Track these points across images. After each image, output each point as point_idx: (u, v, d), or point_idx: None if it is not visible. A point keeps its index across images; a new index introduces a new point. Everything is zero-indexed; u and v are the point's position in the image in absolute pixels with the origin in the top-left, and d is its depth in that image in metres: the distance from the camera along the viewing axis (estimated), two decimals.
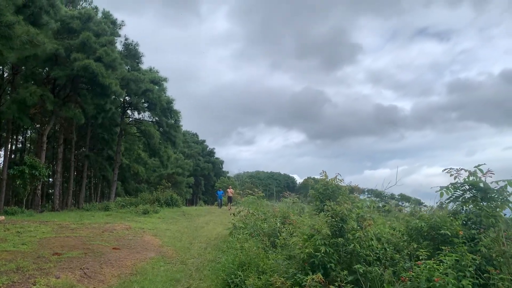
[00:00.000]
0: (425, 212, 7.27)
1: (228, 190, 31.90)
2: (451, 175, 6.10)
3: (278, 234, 9.43)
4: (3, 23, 9.12)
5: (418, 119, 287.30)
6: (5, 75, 32.11)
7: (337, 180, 7.68)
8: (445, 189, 6.20)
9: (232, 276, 8.02)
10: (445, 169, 6.39)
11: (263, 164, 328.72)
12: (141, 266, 10.14)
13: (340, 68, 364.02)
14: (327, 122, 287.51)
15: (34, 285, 7.01)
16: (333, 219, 6.18)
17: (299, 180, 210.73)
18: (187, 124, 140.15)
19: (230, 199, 30.69)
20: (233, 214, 14.42)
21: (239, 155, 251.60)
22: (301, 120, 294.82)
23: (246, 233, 12.82)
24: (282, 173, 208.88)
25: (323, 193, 7.52)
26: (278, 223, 9.71)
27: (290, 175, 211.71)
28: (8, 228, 14.68)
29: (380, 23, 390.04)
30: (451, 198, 6.28)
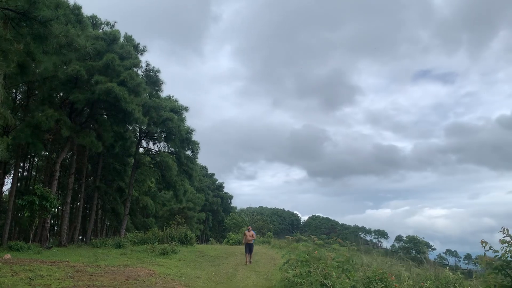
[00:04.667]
0: None
1: (246, 233, 21.20)
2: None
3: None
4: (37, 19, 7.18)
5: (418, 160, 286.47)
6: (17, 99, 30.55)
7: None
8: None
9: None
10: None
11: (265, 200, 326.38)
12: None
13: (339, 109, 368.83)
14: (327, 160, 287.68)
15: None
16: None
17: (302, 217, 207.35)
18: None
19: (250, 248, 20.65)
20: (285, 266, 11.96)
21: (241, 189, 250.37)
22: (302, 157, 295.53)
23: None
24: (285, 209, 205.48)
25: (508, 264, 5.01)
26: None
27: (294, 212, 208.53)
28: (16, 272, 12.36)
29: (378, 66, 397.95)
30: None
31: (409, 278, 9.32)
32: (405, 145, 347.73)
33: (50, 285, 10.69)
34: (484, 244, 5.10)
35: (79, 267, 14.64)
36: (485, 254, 5.20)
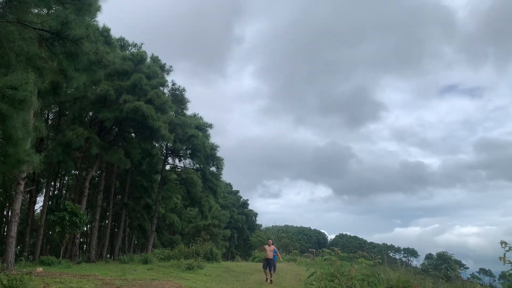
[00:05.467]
0: None
1: (266, 247, 18.87)
2: None
3: None
4: (69, 37, 7.67)
5: (447, 177, 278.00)
6: (49, 119, 31.80)
7: None
8: None
9: None
10: None
11: (291, 218, 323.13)
12: None
13: (363, 125, 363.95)
14: (353, 178, 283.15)
15: None
16: None
17: (329, 236, 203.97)
18: None
19: (270, 264, 17.99)
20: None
21: (266, 208, 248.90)
22: (327, 175, 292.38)
23: None
24: (312, 228, 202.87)
25: None
26: None
27: (320, 230, 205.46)
28: (48, 283, 12.73)
29: (402, 82, 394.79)
30: None
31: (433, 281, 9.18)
32: (433, 162, 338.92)
33: None
34: (503, 244, 5.08)
35: (107, 280, 14.93)
36: (504, 255, 5.16)
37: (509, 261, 5.19)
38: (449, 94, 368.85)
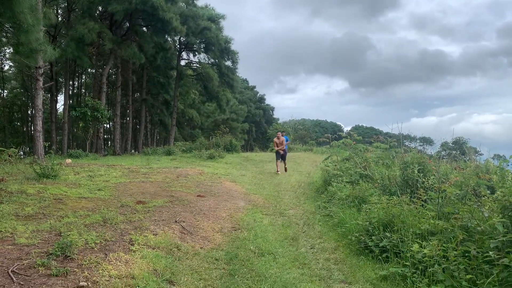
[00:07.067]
0: None
1: (275, 140, 18.29)
2: None
3: (418, 185, 7.34)
4: None
5: (467, 65, 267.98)
6: (59, 15, 30.94)
7: None
8: None
9: (373, 237, 6.13)
10: None
11: (307, 112, 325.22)
12: (239, 218, 8.50)
13: (382, 14, 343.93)
14: (370, 70, 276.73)
15: (132, 244, 5.39)
16: None
17: (345, 128, 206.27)
18: None
19: (281, 155, 18.00)
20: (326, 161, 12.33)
21: (283, 103, 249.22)
22: (343, 68, 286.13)
23: (345, 181, 10.92)
24: (328, 120, 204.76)
25: None
26: (415, 171, 7.58)
27: (336, 122, 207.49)
28: (78, 172, 13.56)
29: None
30: None
31: (447, 162, 9.44)
32: (453, 50, 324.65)
33: (109, 181, 11.70)
34: None
35: (134, 169, 15.78)
36: None
37: None
38: None
